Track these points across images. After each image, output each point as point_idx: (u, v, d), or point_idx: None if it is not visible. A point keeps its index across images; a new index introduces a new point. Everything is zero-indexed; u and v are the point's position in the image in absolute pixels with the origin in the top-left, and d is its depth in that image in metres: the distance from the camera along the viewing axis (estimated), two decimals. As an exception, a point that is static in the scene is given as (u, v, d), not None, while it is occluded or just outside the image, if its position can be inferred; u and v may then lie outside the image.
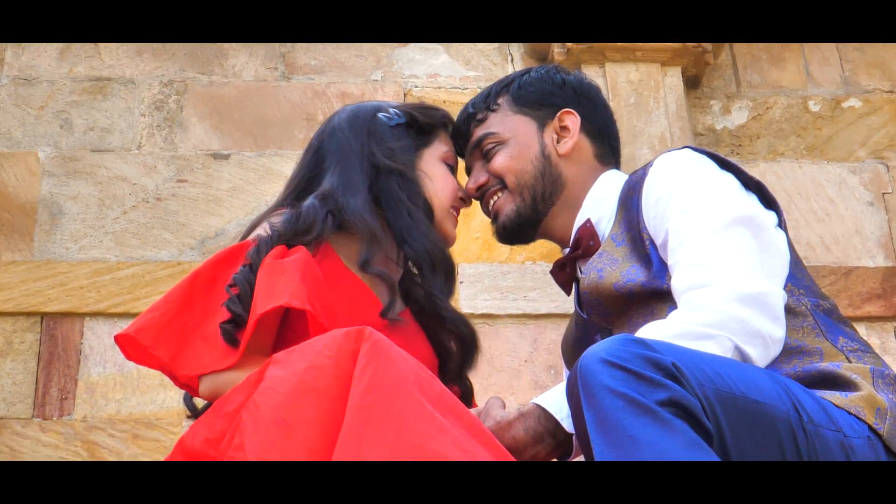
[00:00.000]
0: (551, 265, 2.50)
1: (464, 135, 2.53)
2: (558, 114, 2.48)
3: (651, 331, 1.96)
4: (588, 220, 2.36)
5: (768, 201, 2.23)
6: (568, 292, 2.47)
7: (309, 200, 2.31)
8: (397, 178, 2.36)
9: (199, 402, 2.27)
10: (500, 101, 2.51)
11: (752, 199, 2.20)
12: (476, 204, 2.57)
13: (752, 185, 2.23)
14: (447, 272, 2.33)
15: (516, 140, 2.46)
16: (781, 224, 2.22)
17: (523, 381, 3.76)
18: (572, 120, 2.47)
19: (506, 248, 3.89)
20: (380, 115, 2.45)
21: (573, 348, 2.39)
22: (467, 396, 2.40)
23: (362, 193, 2.32)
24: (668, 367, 1.75)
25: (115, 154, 4.10)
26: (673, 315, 2.00)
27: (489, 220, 2.55)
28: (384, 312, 2.21)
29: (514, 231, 2.47)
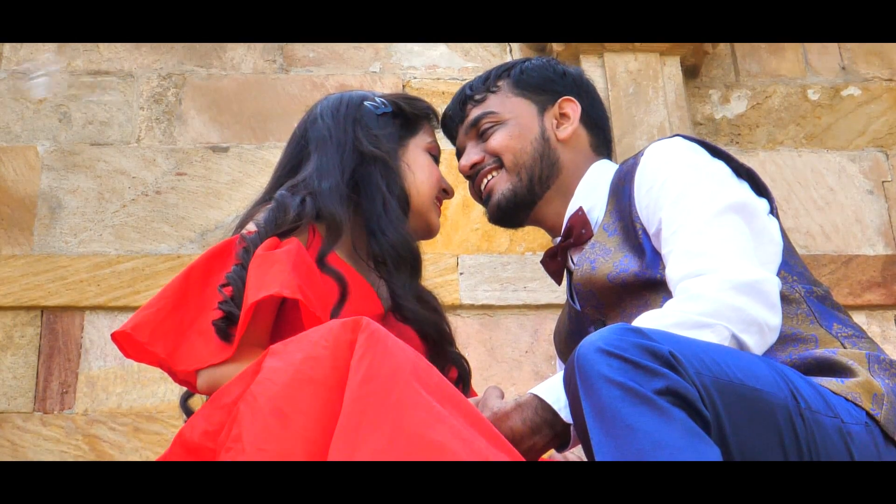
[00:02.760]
0: None
1: (457, 116, 2.53)
2: (559, 101, 2.48)
3: (647, 320, 1.95)
4: (580, 209, 2.36)
5: (760, 189, 2.22)
6: (559, 282, 2.47)
7: (280, 191, 2.29)
8: (381, 165, 2.35)
9: (199, 404, 2.26)
10: (500, 83, 2.51)
11: (743, 187, 2.19)
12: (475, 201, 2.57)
13: (744, 173, 2.23)
14: (413, 268, 2.30)
15: (516, 121, 2.46)
16: (773, 211, 2.22)
17: (524, 371, 3.77)
18: (572, 108, 2.48)
19: (505, 238, 3.89)
20: (366, 103, 2.44)
21: (566, 340, 2.39)
22: (465, 378, 2.39)
23: (335, 179, 2.29)
24: (665, 357, 1.75)
25: (114, 147, 4.10)
26: (669, 304, 2.00)
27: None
28: (333, 312, 2.16)
29: (508, 211, 2.45)
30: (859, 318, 3.86)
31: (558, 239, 2.43)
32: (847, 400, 1.90)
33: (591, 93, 2.56)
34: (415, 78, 4.22)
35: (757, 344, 1.97)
